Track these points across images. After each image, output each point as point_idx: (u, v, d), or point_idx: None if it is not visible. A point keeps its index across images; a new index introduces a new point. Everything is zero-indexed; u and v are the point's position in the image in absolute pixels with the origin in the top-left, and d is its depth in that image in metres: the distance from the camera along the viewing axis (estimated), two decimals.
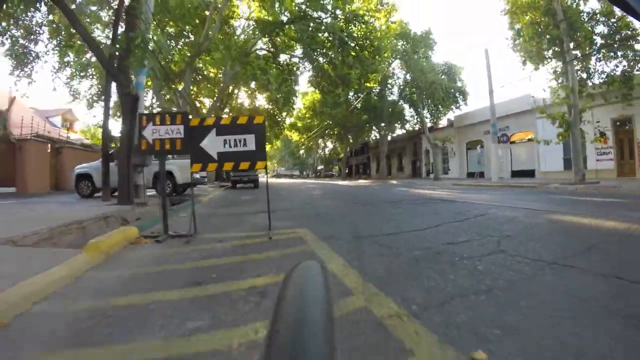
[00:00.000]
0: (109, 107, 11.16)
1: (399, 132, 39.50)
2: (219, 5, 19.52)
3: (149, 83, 18.48)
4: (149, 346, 1.70)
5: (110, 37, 10.24)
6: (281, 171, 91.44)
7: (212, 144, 4.26)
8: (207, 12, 18.94)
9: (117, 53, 7.99)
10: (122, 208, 7.83)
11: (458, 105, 29.95)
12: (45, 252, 3.87)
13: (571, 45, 16.65)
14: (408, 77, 30.34)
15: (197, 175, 12.25)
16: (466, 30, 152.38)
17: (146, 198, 10.07)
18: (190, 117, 5.02)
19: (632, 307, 1.95)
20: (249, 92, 29.23)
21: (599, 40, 17.59)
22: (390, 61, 29.13)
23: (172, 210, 8.55)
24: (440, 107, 30.54)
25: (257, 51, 23.19)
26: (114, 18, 10.92)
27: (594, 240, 3.68)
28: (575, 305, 2.01)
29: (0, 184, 16.06)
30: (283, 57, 24.61)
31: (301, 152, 79.45)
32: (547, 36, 17.18)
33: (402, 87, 32.54)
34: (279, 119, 32.36)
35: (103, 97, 23.29)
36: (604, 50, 17.48)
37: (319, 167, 73.50)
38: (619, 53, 17.33)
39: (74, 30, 9.70)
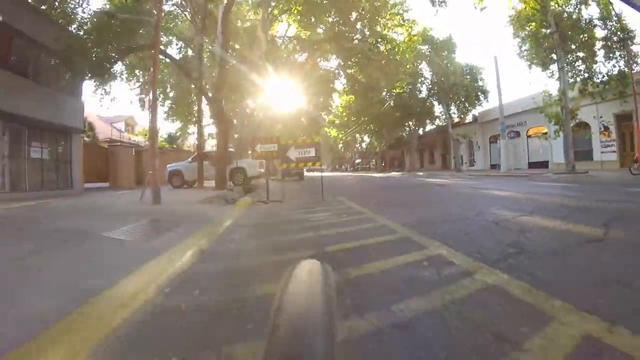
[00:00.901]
0: (201, 125, 15.72)
1: (430, 127, 42.63)
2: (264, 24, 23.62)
3: None
4: (298, 216, 5.81)
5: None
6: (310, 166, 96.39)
7: (293, 153, 8.46)
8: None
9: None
10: (221, 192, 12.15)
11: (480, 103, 32.89)
12: (218, 206, 8.09)
13: (562, 53, 19.43)
14: (435, 77, 33.59)
15: (262, 170, 16.57)
16: (483, 32, 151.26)
17: (230, 186, 14.51)
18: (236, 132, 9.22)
19: (451, 215, 5.88)
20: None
21: (598, 44, 20.21)
22: (417, 64, 32.48)
23: (251, 193, 12.86)
24: (466, 104, 33.54)
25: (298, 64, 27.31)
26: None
27: (477, 198, 7.52)
28: (436, 213, 5.94)
29: (98, 180, 21.04)
30: (321, 65, 28.65)
31: (340, 146, 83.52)
32: (545, 45, 20.04)
33: (429, 86, 35.80)
34: (317, 117, 36.25)
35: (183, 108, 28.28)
36: (604, 51, 20.02)
37: (357, 161, 77.17)
38: (618, 54, 19.82)
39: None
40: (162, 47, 20.26)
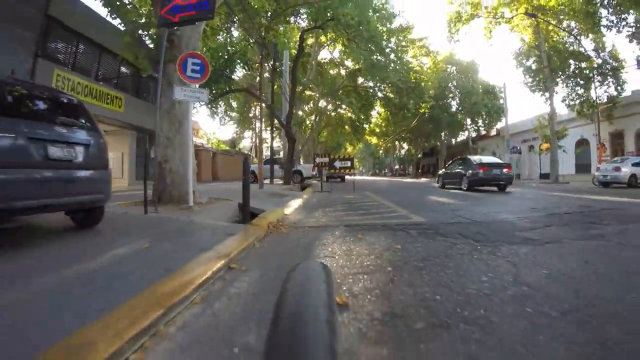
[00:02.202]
0: (273, 136, 22.10)
1: (462, 138, 47.37)
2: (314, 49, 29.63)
3: None
4: (339, 197, 11.89)
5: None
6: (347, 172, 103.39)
7: (337, 163, 14.61)
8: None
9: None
10: (289, 185, 18.36)
11: (500, 119, 37.53)
12: (294, 191, 14.27)
13: (552, 84, 24.13)
14: (460, 95, 38.66)
15: (314, 173, 22.75)
16: (502, 56, 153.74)
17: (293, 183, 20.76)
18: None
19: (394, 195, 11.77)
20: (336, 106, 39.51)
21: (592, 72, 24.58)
22: (447, 82, 37.71)
23: (307, 188, 19.03)
24: (490, 119, 38.31)
25: (342, 86, 33.34)
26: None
27: (437, 193, 13.26)
28: (405, 197, 11.82)
29: None
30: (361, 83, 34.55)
31: (380, 152, 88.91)
32: (539, 77, 24.83)
33: (458, 102, 40.79)
34: (359, 127, 42.00)
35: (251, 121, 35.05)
36: (599, 78, 24.39)
37: (396, 167, 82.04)
38: (610, 80, 24.19)
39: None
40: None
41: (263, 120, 33.32)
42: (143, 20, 7.80)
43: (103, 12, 20.33)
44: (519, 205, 8.18)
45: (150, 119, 19.30)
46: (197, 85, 6.78)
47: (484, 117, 38.21)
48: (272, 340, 0.38)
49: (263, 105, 20.36)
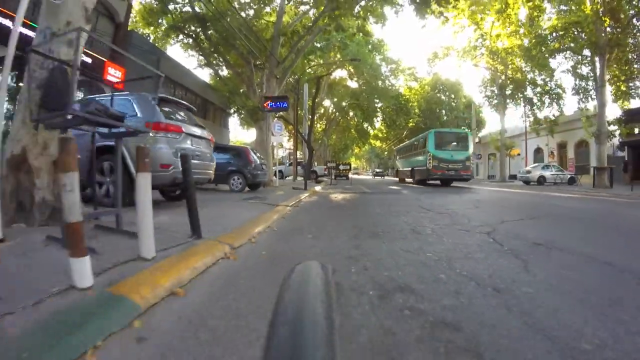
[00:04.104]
0: (297, 148, 30.57)
1: None
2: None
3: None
4: (341, 186, 20.38)
5: None
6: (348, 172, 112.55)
7: (342, 166, 23.25)
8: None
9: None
10: (309, 181, 26.87)
11: (479, 130, 45.71)
12: (314, 184, 22.73)
13: (503, 108, 32.22)
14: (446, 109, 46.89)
15: (326, 172, 31.14)
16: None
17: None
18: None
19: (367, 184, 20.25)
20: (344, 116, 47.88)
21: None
22: (433, 100, 45.94)
23: (320, 183, 27.53)
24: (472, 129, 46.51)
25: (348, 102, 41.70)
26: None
27: (390, 183, 21.70)
28: (378, 187, 20.26)
29: None
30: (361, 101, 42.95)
31: (385, 153, 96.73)
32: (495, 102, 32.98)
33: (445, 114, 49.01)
34: (364, 132, 50.22)
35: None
36: (548, 101, 32.15)
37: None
38: (554, 102, 31.97)
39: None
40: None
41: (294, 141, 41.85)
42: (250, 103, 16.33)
43: (186, 65, 29.27)
44: (430, 190, 16.55)
45: (212, 134, 28.31)
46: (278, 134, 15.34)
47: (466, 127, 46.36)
48: (272, 342, 0.38)
49: (296, 130, 29.00)
